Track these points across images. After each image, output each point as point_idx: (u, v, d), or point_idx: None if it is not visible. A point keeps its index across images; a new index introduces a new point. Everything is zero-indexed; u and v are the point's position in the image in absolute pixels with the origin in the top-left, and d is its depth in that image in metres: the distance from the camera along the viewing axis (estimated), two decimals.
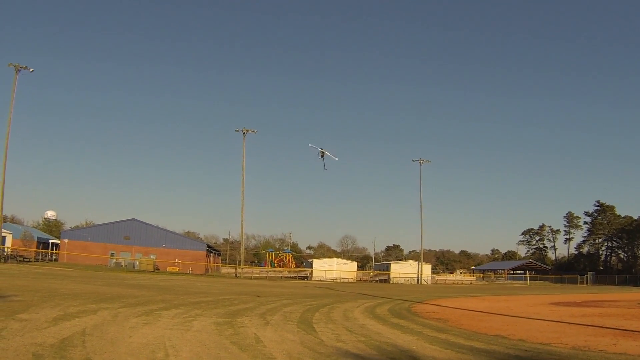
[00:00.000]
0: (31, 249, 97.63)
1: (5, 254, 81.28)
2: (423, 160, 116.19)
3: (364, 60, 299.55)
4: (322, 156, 70.12)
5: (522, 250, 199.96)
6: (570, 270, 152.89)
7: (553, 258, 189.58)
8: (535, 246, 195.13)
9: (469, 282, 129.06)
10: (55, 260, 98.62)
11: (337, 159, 71.37)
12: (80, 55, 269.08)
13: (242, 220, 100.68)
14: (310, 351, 14.30)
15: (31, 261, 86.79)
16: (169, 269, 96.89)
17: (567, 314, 29.72)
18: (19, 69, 79.54)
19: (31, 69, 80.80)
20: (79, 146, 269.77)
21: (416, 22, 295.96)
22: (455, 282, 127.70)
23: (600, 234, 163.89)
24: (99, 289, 34.48)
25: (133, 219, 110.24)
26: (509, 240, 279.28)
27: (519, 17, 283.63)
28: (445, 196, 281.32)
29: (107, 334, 15.21)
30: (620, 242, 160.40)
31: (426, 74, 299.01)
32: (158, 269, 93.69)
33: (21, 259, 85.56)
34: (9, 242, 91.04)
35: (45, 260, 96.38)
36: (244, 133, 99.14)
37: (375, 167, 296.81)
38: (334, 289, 59.85)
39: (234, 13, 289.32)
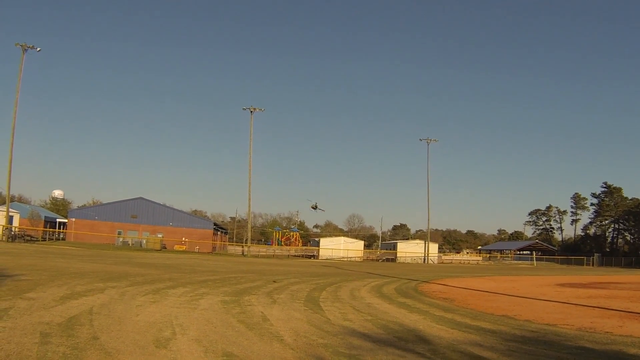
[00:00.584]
0: (38, 228, 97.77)
1: (12, 233, 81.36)
2: (430, 140, 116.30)
3: (372, 38, 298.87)
4: (315, 208, 71.50)
5: (529, 231, 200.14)
6: (576, 251, 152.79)
7: (560, 239, 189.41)
8: (542, 227, 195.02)
9: (475, 262, 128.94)
10: (63, 239, 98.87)
11: (324, 210, 73.97)
12: (87, 34, 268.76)
13: (249, 199, 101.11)
14: (317, 330, 14.32)
15: (38, 240, 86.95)
16: (176, 247, 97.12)
17: (573, 295, 29.69)
18: (26, 48, 79.54)
19: (38, 49, 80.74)
20: (86, 125, 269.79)
21: (426, 2, 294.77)
22: (462, 261, 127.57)
23: (607, 216, 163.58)
24: (106, 267, 34.56)
25: (140, 198, 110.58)
26: (516, 221, 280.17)
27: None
28: (452, 176, 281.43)
29: (114, 312, 15.25)
30: (627, 224, 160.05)
31: (435, 53, 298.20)
32: (165, 248, 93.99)
33: (28, 238, 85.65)
34: (16, 222, 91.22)
35: (52, 239, 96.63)
36: (251, 111, 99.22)
37: (382, 146, 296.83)
38: (340, 268, 59.87)
39: None
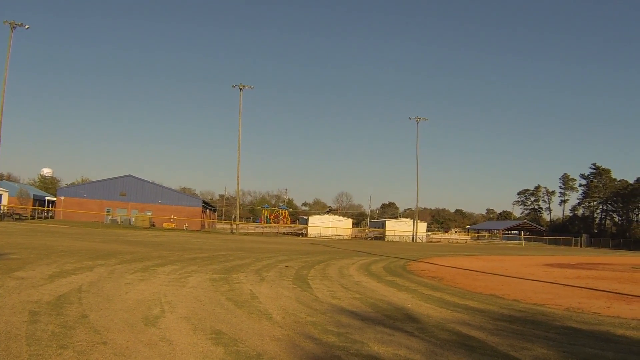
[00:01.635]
0: (27, 207, 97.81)
1: (1, 212, 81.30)
2: (420, 118, 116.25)
3: (359, 15, 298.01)
4: None
5: (517, 211, 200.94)
6: (564, 232, 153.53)
7: (548, 219, 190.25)
8: (530, 207, 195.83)
9: (463, 241, 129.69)
10: (52, 217, 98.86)
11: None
12: (75, 11, 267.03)
13: (238, 177, 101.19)
14: (306, 307, 14.36)
15: (27, 219, 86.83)
16: (165, 225, 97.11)
17: (561, 276, 29.86)
18: (15, 26, 79.02)
19: (27, 26, 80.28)
20: (74, 103, 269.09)
21: None
22: (450, 240, 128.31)
23: (596, 197, 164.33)
24: (95, 245, 34.52)
25: (129, 175, 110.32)
26: (505, 200, 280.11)
27: None
28: (441, 154, 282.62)
29: (103, 290, 15.25)
30: (615, 205, 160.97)
31: (423, 30, 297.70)
32: (154, 225, 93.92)
33: (17, 216, 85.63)
34: (5, 200, 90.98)
35: (41, 217, 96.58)
36: (240, 89, 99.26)
37: (371, 123, 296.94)
38: (329, 246, 60.01)
39: None
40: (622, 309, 16.87)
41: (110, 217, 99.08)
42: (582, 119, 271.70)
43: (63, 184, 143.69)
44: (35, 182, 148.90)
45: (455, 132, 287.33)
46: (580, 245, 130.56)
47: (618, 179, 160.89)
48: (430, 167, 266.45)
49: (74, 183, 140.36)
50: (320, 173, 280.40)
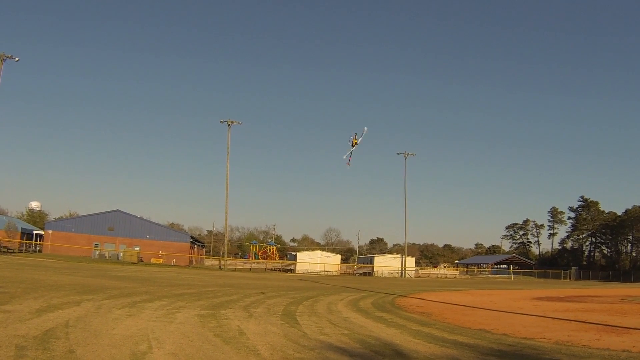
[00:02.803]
0: (15, 240, 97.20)
1: None
2: (408, 154, 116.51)
3: (347, 50, 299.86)
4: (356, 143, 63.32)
5: (506, 245, 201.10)
6: (554, 265, 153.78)
7: (537, 253, 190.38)
8: (519, 241, 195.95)
9: (452, 276, 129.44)
10: (39, 251, 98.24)
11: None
12: (65, 44, 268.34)
13: (226, 212, 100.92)
14: (294, 344, 14.32)
15: (15, 252, 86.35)
16: (153, 260, 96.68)
17: (551, 309, 29.87)
18: (5, 58, 78.97)
19: (17, 59, 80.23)
20: (63, 136, 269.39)
21: (402, 13, 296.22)
22: (439, 276, 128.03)
23: (584, 230, 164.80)
24: (83, 280, 34.38)
25: (117, 210, 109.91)
26: (493, 235, 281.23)
27: (504, 11, 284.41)
28: (429, 189, 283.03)
29: (90, 325, 15.18)
30: (604, 237, 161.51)
31: (411, 66, 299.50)
32: (142, 261, 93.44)
33: (5, 250, 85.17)
34: None
35: (29, 251, 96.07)
36: (228, 124, 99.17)
37: (359, 159, 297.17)
38: (317, 282, 59.92)
39: (220, 3, 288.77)
40: (612, 341, 16.88)
41: (98, 252, 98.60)
42: (569, 152, 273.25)
43: (51, 217, 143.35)
44: (23, 215, 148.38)
45: (443, 167, 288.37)
46: (570, 278, 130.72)
47: (606, 211, 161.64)
48: (419, 202, 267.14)
49: (62, 217, 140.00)
50: (308, 209, 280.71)
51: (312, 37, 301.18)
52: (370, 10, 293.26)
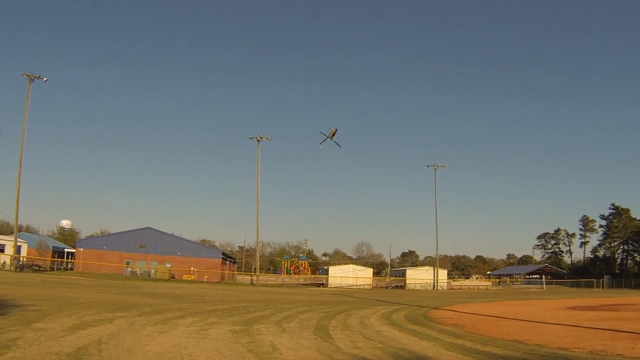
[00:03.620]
0: (46, 258, 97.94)
1: (20, 263, 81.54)
2: (438, 166, 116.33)
3: (379, 64, 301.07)
4: (332, 137, 72.14)
5: (538, 255, 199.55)
6: (586, 274, 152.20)
7: (569, 262, 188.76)
8: (550, 250, 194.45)
9: (485, 287, 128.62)
10: (71, 269, 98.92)
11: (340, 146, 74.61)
12: (95, 63, 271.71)
13: (258, 228, 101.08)
14: (327, 358, 14.26)
15: (46, 270, 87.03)
16: (185, 277, 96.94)
17: (584, 318, 29.56)
18: (33, 78, 79.77)
19: (45, 79, 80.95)
20: (93, 154, 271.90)
21: (433, 23, 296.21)
22: (471, 287, 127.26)
23: (616, 237, 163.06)
24: (115, 297, 34.52)
25: (148, 228, 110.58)
26: (525, 245, 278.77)
27: (539, 17, 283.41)
28: (460, 201, 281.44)
29: (123, 342, 15.21)
30: (636, 245, 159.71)
31: (442, 77, 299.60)
32: (174, 277, 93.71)
33: (37, 268, 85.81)
34: (24, 251, 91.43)
35: (60, 269, 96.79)
36: (258, 140, 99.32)
37: (390, 172, 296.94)
38: (350, 296, 59.76)
39: (249, 18, 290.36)
40: None
41: (129, 269, 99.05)
42: (599, 159, 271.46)
43: (82, 235, 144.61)
44: (54, 233, 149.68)
45: (474, 178, 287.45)
46: (602, 287, 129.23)
47: (638, 218, 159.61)
48: (450, 214, 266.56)
49: (93, 235, 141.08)
50: (339, 223, 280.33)
51: (342, 51, 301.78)
52: (399, 21, 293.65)
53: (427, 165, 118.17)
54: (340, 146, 75.09)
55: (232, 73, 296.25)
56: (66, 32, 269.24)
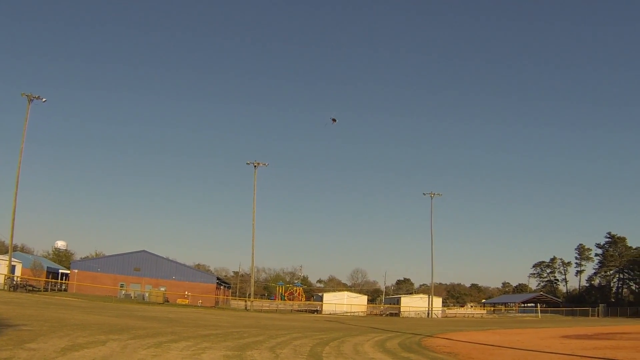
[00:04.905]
0: (41, 279, 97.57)
1: (14, 283, 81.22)
2: (434, 194, 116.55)
3: (373, 90, 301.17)
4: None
5: (533, 283, 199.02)
6: (581, 302, 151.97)
7: (564, 290, 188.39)
8: (546, 279, 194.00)
9: (479, 315, 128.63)
10: (65, 290, 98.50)
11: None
12: (92, 86, 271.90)
13: (253, 254, 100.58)
14: None
15: (40, 291, 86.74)
16: (179, 301, 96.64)
17: (579, 347, 29.55)
18: (32, 98, 79.85)
19: (44, 99, 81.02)
20: (90, 176, 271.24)
21: (426, 51, 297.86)
22: (466, 315, 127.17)
23: (612, 266, 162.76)
24: (108, 320, 34.44)
25: (143, 251, 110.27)
26: (520, 273, 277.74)
27: (531, 45, 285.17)
28: (456, 229, 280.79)
29: None
30: (632, 273, 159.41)
31: (437, 106, 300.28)
32: (168, 301, 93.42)
33: (30, 288, 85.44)
34: (18, 271, 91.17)
35: (54, 290, 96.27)
36: (255, 166, 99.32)
37: (386, 200, 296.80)
38: (344, 323, 59.70)
39: (243, 41, 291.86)
40: None
41: (123, 292, 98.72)
42: (595, 187, 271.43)
43: (77, 257, 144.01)
44: (49, 254, 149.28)
45: (470, 206, 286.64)
46: (598, 316, 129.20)
47: (634, 247, 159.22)
48: (445, 242, 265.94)
49: (88, 257, 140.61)
50: (334, 250, 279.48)
51: (337, 78, 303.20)
52: (395, 49, 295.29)
53: (424, 194, 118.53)
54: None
55: (227, 99, 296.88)
56: (66, 54, 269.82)
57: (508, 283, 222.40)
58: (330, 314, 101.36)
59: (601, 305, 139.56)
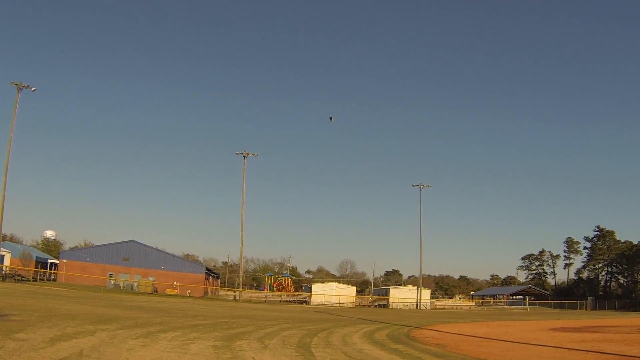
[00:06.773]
0: (29, 269, 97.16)
1: (3, 272, 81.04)
2: (423, 185, 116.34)
3: (365, 82, 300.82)
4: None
5: (522, 276, 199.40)
6: (569, 295, 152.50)
7: (552, 283, 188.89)
8: (534, 271, 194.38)
9: (468, 307, 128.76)
10: (54, 280, 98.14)
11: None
12: (82, 74, 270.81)
13: (242, 244, 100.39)
14: None
15: (29, 280, 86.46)
16: (168, 291, 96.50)
17: (567, 340, 29.64)
18: (21, 87, 79.35)
19: (33, 88, 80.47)
20: (79, 165, 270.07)
21: (417, 46, 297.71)
22: (455, 307, 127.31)
23: (600, 259, 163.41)
24: (97, 310, 34.37)
25: (132, 241, 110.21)
26: (509, 266, 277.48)
27: (519, 38, 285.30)
28: (445, 221, 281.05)
29: (104, 355, 15.14)
30: (620, 267, 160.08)
31: (426, 98, 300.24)
32: (156, 291, 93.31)
33: (19, 278, 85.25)
34: (7, 261, 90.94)
35: (43, 280, 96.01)
36: (244, 156, 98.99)
37: (375, 191, 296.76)
38: (332, 314, 59.72)
39: (235, 31, 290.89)
40: None
41: (112, 282, 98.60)
42: (584, 181, 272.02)
43: (66, 247, 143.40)
44: (38, 244, 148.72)
45: (459, 198, 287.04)
46: (586, 309, 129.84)
47: (622, 241, 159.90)
48: (434, 233, 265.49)
49: (77, 246, 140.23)
50: (324, 241, 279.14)
51: (328, 70, 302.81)
52: (384, 39, 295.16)
53: (413, 185, 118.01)
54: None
55: (218, 88, 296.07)
56: (56, 41, 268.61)
57: (497, 275, 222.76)
58: (319, 304, 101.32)
59: (589, 299, 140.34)
